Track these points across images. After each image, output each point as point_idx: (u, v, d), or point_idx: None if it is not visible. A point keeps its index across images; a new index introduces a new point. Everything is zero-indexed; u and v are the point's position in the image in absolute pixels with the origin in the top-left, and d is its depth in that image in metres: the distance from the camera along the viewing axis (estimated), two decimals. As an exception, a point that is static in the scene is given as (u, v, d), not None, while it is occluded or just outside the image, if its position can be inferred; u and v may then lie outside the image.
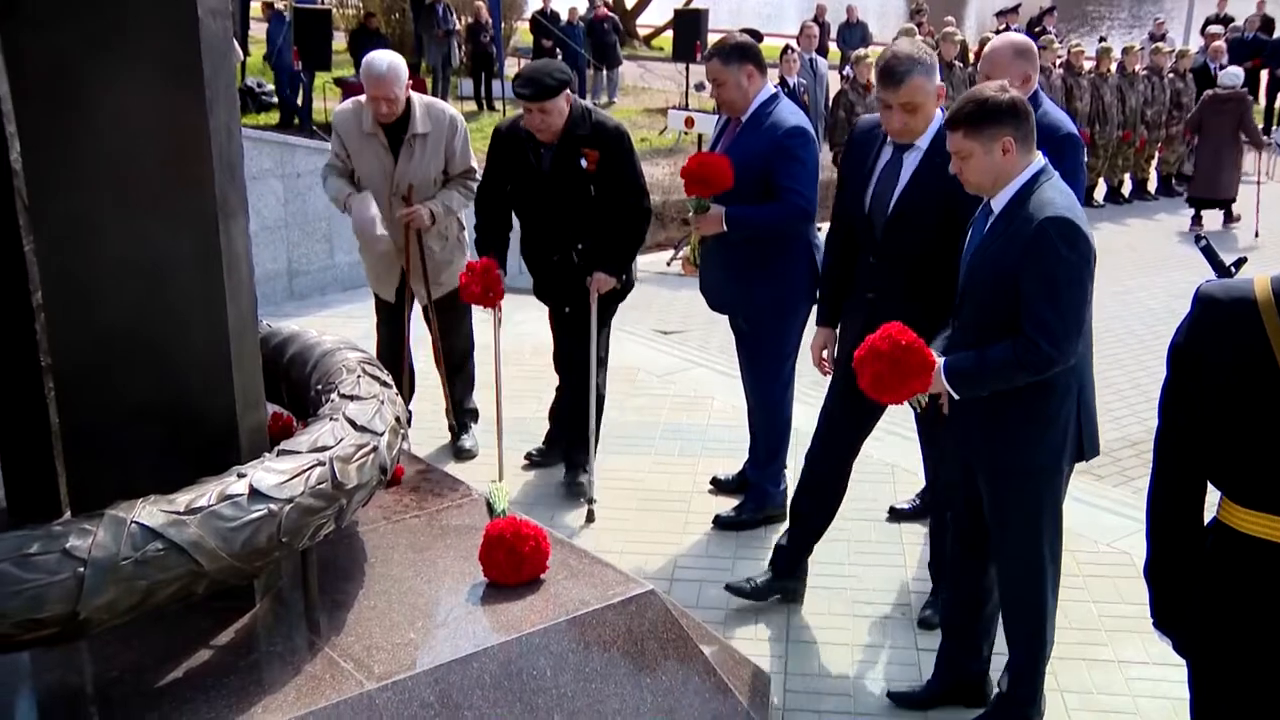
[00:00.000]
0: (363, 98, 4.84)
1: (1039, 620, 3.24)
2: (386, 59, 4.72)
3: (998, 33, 14.39)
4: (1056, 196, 2.97)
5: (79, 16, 2.56)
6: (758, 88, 4.31)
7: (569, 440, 4.88)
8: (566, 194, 4.53)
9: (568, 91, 4.43)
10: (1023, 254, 2.93)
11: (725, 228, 4.27)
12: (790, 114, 4.34)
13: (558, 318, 4.88)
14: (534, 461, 5.15)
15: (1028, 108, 3.02)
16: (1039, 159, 3.04)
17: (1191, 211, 11.51)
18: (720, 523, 4.61)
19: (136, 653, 2.63)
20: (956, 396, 3.06)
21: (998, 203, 3.05)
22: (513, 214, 4.84)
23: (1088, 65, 12.29)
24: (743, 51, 4.30)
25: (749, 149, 4.28)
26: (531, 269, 4.84)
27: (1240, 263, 2.53)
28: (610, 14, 19.77)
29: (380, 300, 5.18)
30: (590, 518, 4.60)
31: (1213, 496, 2.22)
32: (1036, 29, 16.29)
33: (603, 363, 4.89)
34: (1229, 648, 2.19)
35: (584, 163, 4.45)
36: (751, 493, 4.70)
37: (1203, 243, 2.55)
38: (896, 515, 4.67)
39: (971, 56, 11.81)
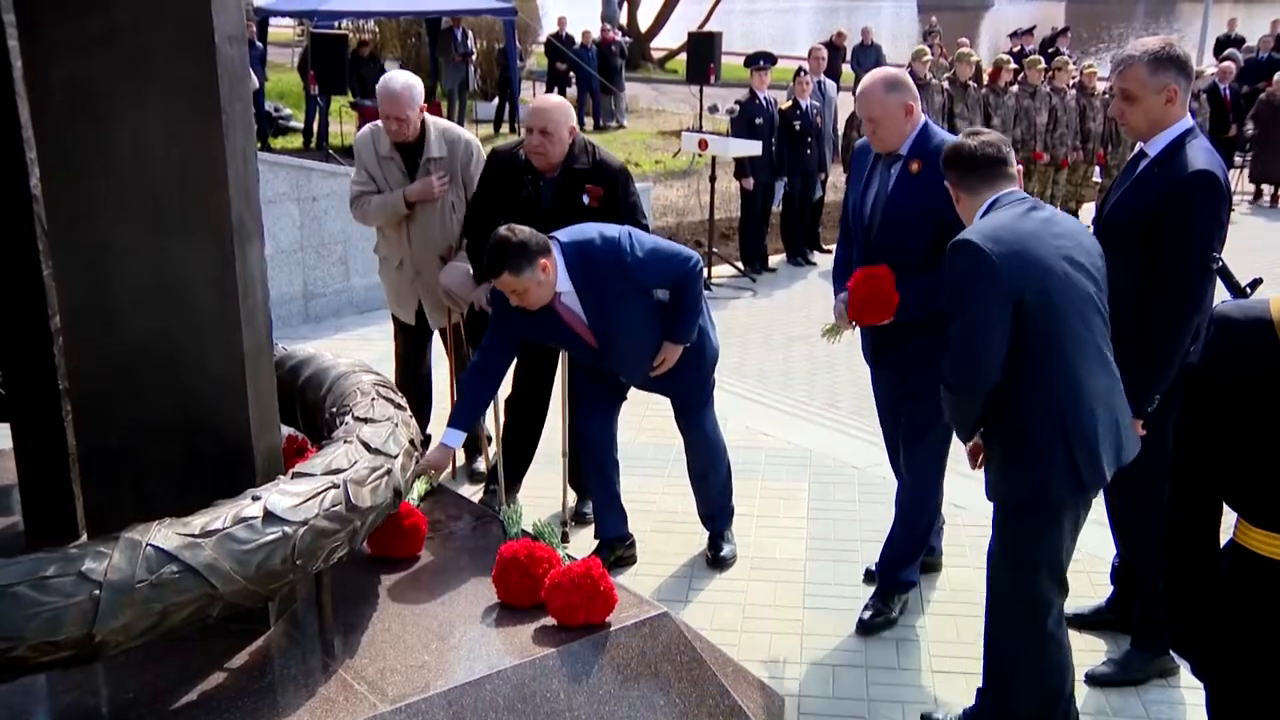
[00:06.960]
0: (379, 122, 4.87)
1: (1018, 663, 3.15)
2: (403, 79, 4.74)
3: (1010, 53, 14.47)
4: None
5: (99, 44, 2.60)
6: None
7: (571, 470, 4.79)
8: None
9: (573, 124, 4.32)
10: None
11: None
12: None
13: (543, 356, 4.58)
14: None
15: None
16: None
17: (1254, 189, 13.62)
18: (712, 563, 4.48)
19: (152, 675, 2.64)
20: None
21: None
22: None
23: (1101, 86, 12.29)
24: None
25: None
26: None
27: (1256, 283, 2.52)
28: (615, 39, 19.93)
29: (400, 322, 5.18)
30: (564, 539, 4.48)
31: (1229, 518, 2.21)
32: (1050, 49, 16.30)
33: None
34: (1246, 669, 2.18)
35: (586, 199, 4.29)
36: (717, 531, 4.54)
37: (1218, 263, 2.53)
38: (870, 577, 4.27)
39: (985, 77, 11.81)
